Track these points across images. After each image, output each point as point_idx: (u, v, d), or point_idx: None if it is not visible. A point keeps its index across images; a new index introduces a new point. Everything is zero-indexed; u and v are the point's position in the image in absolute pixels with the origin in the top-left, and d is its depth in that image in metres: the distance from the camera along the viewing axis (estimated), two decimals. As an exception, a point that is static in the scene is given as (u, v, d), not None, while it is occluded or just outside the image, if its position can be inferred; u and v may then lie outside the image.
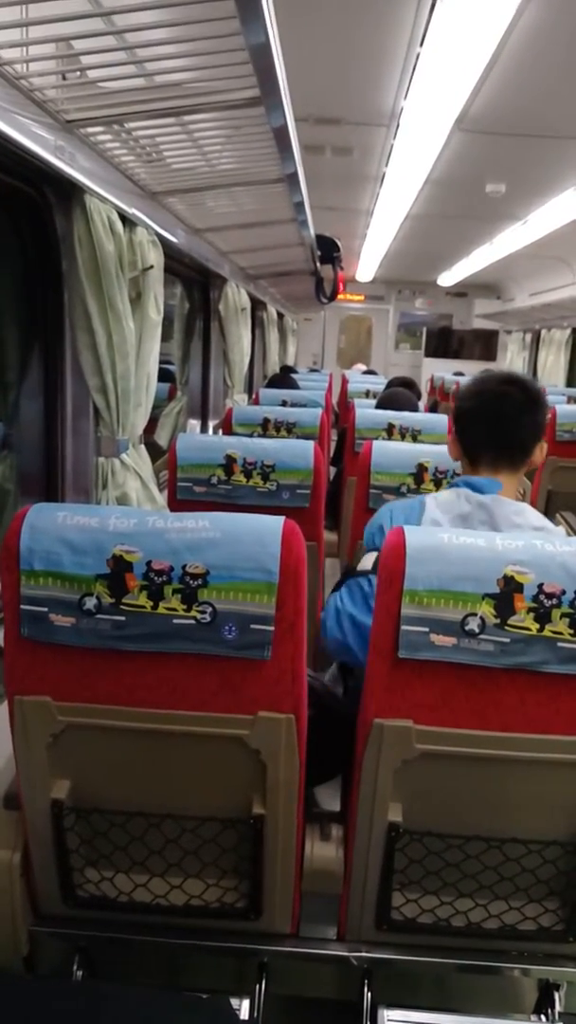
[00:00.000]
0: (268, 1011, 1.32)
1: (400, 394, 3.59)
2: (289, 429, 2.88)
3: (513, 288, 9.08)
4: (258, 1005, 1.31)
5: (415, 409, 3.43)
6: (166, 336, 2.74)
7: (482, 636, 1.10)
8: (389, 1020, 1.30)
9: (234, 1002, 1.27)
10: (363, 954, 1.32)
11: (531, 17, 2.20)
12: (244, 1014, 1.27)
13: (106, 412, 1.90)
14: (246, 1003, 1.29)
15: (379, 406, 3.43)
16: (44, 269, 1.81)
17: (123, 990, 1.24)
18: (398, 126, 3.27)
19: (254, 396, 4.35)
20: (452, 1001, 1.61)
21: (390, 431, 2.91)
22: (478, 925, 1.26)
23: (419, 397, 4.13)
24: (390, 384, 4.29)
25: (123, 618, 1.10)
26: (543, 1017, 1.41)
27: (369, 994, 1.34)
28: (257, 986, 1.34)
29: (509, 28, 2.22)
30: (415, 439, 2.87)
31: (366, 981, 1.36)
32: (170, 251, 2.35)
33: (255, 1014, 1.29)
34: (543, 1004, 1.41)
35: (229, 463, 2.17)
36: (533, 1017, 1.45)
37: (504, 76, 2.65)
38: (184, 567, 1.09)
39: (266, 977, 1.35)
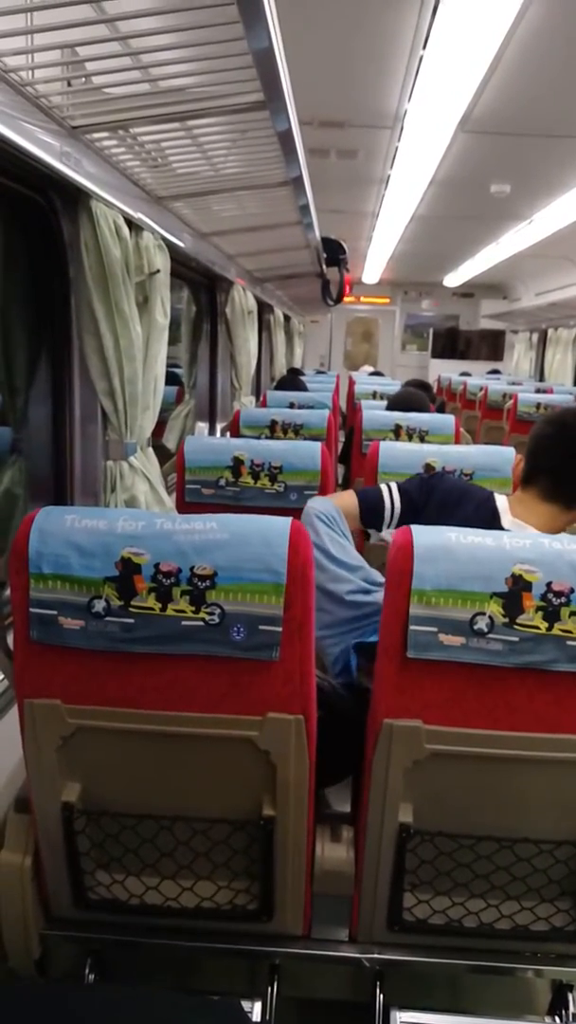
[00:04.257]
0: (280, 1013, 1.32)
1: (413, 394, 3.61)
2: (296, 431, 2.89)
3: (519, 288, 9.06)
4: (270, 1007, 1.31)
5: (426, 410, 3.43)
6: (173, 340, 2.75)
7: (491, 635, 1.09)
8: (401, 1022, 1.29)
9: (246, 1004, 1.27)
10: (375, 955, 1.32)
11: (533, 18, 2.20)
12: (256, 1016, 1.27)
13: (114, 416, 1.91)
14: (258, 1005, 1.29)
15: (391, 406, 3.44)
16: (51, 274, 1.82)
17: (134, 992, 1.24)
18: (402, 128, 3.28)
19: (261, 398, 4.35)
20: (464, 1002, 1.60)
21: (397, 432, 2.92)
22: (490, 926, 1.25)
23: (433, 400, 4.12)
24: (405, 386, 4.29)
25: (132, 620, 1.10)
26: (557, 1019, 1.40)
27: (381, 996, 1.34)
28: (269, 988, 1.33)
29: (511, 29, 2.22)
30: (422, 440, 2.87)
31: (378, 982, 1.35)
32: (176, 255, 2.36)
33: (267, 1016, 1.29)
34: (557, 1005, 1.40)
35: (237, 465, 2.17)
36: (547, 1019, 1.44)
37: (507, 77, 2.65)
38: (192, 569, 1.09)
39: (278, 979, 1.35)
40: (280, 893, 1.25)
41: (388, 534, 1.63)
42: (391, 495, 1.65)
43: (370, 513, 1.67)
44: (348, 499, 1.71)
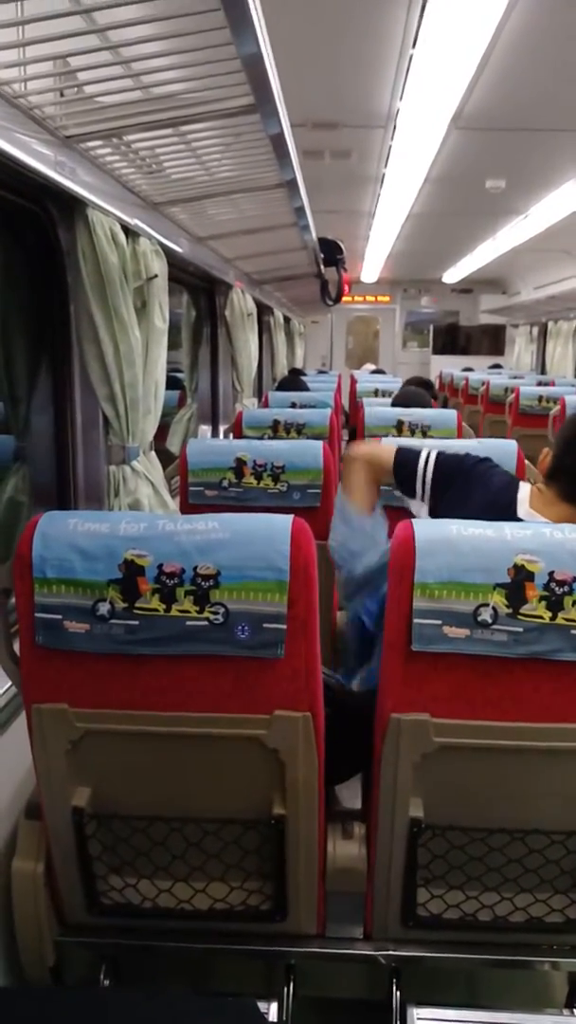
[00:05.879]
0: (296, 1013, 1.32)
1: (414, 393, 3.65)
2: (299, 430, 2.90)
3: (518, 282, 9.06)
4: (286, 1007, 1.31)
5: (428, 407, 3.45)
6: (174, 344, 2.76)
7: (495, 626, 1.09)
8: (419, 1019, 1.29)
9: (262, 1005, 1.27)
10: (390, 952, 1.31)
11: (521, 13, 2.20)
12: (272, 1017, 1.27)
13: (115, 420, 1.92)
14: (274, 1006, 1.29)
15: (394, 405, 3.46)
16: (50, 283, 1.83)
17: (150, 996, 1.24)
18: (395, 127, 3.29)
19: (263, 399, 4.36)
20: (482, 997, 1.60)
21: (400, 428, 2.92)
22: (504, 919, 1.25)
23: (435, 397, 4.12)
24: (406, 385, 4.32)
25: (136, 622, 1.11)
26: (575, 1011, 1.39)
27: (398, 993, 1.33)
28: (285, 988, 1.33)
29: (500, 25, 2.22)
30: (424, 435, 2.87)
31: (394, 980, 1.35)
32: (174, 260, 2.37)
33: (283, 1017, 1.29)
34: (574, 998, 1.40)
35: (239, 466, 2.18)
36: (565, 1011, 1.44)
37: (497, 73, 2.66)
38: (195, 569, 1.09)
39: (293, 979, 1.35)
40: (293, 892, 1.25)
41: (418, 507, 1.59)
42: (426, 463, 1.56)
43: (401, 475, 1.61)
44: (386, 454, 1.65)
